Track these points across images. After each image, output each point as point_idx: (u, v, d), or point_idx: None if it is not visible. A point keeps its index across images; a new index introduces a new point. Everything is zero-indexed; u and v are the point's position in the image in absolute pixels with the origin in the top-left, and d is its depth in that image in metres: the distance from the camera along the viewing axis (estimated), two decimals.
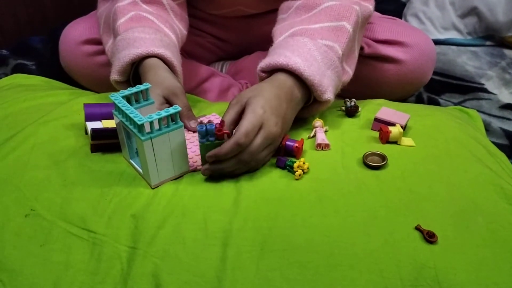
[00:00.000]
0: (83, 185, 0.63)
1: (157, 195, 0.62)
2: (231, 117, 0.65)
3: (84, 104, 0.72)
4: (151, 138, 0.59)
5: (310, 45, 0.71)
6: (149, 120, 0.58)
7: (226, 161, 0.63)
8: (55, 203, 0.60)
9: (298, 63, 0.68)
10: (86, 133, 0.72)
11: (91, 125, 0.69)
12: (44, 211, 0.59)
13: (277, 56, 0.70)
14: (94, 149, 0.69)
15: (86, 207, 0.60)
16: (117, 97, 0.63)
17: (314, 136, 0.74)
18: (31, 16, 1.45)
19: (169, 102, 0.74)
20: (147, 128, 0.60)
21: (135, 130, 0.60)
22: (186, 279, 0.51)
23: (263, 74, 0.73)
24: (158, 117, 0.59)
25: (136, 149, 0.65)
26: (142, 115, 0.60)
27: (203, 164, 0.66)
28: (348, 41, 0.75)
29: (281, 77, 0.70)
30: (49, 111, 0.79)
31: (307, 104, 0.75)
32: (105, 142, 0.68)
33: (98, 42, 0.95)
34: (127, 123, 0.61)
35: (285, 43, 0.73)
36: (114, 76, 0.78)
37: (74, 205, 0.60)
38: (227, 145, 0.61)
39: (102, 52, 0.95)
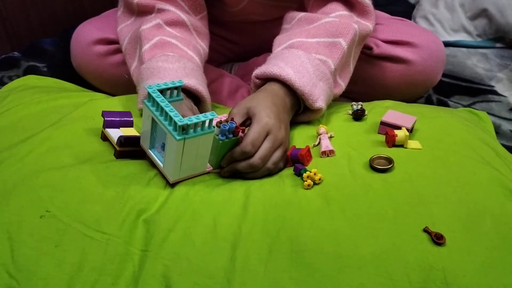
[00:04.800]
0: (97, 188, 0.64)
1: (169, 200, 0.62)
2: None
3: (103, 111, 0.74)
4: (184, 139, 0.60)
5: (303, 58, 0.77)
6: (190, 122, 0.59)
7: (239, 164, 0.67)
8: (70, 205, 0.61)
9: (290, 74, 0.74)
10: (103, 139, 0.74)
11: (112, 132, 0.72)
12: (59, 212, 0.60)
13: (271, 66, 0.76)
14: (120, 155, 0.71)
15: (101, 210, 0.60)
16: (154, 90, 0.64)
17: (318, 143, 0.74)
18: (42, 18, 1.46)
19: None
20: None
21: (170, 128, 0.61)
22: (196, 280, 0.52)
23: (258, 81, 0.79)
24: (197, 121, 0.60)
25: (163, 143, 0.65)
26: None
27: (220, 162, 0.69)
28: (341, 57, 0.80)
29: (274, 87, 0.76)
30: (64, 114, 0.80)
31: (298, 112, 0.79)
32: (130, 149, 0.71)
33: (110, 42, 0.95)
34: (161, 118, 0.62)
35: (281, 54, 0.79)
36: (139, 106, 0.80)
37: (89, 207, 0.61)
38: (236, 151, 0.66)
39: (114, 52, 0.96)
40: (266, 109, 0.69)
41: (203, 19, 0.92)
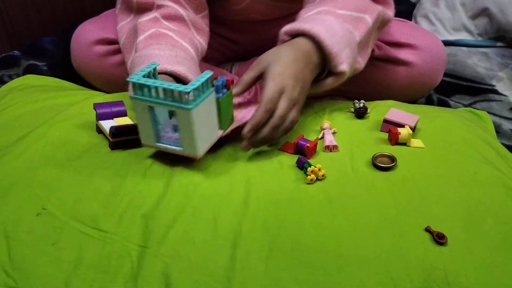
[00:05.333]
0: (94, 184, 0.63)
1: (167, 195, 0.62)
2: (249, 77, 0.71)
3: (94, 104, 0.73)
4: (196, 105, 0.59)
5: (333, 21, 0.75)
6: (194, 86, 0.58)
7: (262, 130, 0.68)
8: (66, 202, 0.61)
9: (320, 31, 0.72)
10: (98, 132, 0.73)
11: (105, 123, 0.71)
12: (56, 210, 0.59)
13: (302, 23, 0.74)
14: (114, 146, 0.70)
15: (97, 207, 0.60)
16: (139, 78, 0.61)
17: (322, 138, 0.74)
18: (42, 17, 1.46)
19: None
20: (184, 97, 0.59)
21: (176, 103, 0.59)
22: (196, 278, 0.52)
23: (286, 37, 0.76)
24: (201, 81, 0.59)
25: (173, 125, 0.64)
26: None
27: (222, 127, 0.68)
28: (366, 32, 0.79)
29: (301, 41, 0.73)
30: (60, 111, 0.80)
31: (320, 77, 0.77)
32: (125, 139, 0.70)
33: (110, 42, 0.95)
34: (161, 99, 0.60)
35: (311, 17, 0.77)
36: (131, 93, 0.78)
37: (85, 204, 0.60)
38: (258, 114, 0.66)
39: (114, 53, 0.96)
40: (280, 67, 0.69)
41: (204, 18, 0.92)
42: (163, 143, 0.66)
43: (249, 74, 0.71)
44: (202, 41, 0.89)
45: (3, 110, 0.82)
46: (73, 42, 1.01)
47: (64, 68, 1.17)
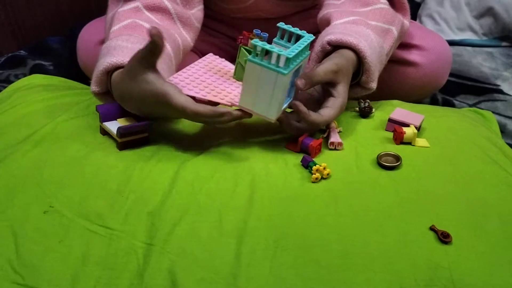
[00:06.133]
0: (100, 182, 0.64)
1: (173, 192, 0.62)
2: (322, 79, 0.70)
3: (97, 106, 0.73)
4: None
5: (372, 36, 0.77)
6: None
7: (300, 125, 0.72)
8: (73, 200, 0.61)
9: (366, 47, 0.74)
10: (103, 134, 0.74)
11: (111, 125, 0.71)
12: (63, 207, 0.60)
13: (347, 36, 0.75)
14: (122, 146, 0.70)
15: (104, 204, 0.60)
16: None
17: (327, 136, 0.74)
18: (48, 17, 1.47)
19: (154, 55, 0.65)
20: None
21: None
22: (202, 275, 0.52)
23: (328, 47, 0.77)
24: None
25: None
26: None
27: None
28: (392, 45, 0.82)
29: (349, 55, 0.74)
30: (66, 110, 0.80)
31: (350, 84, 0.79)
32: (132, 138, 0.70)
33: None
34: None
35: (350, 27, 0.78)
36: (92, 87, 0.73)
37: (92, 202, 0.61)
38: (307, 122, 0.69)
39: None
40: (346, 86, 0.72)
41: (197, 13, 0.88)
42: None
43: (322, 76, 0.70)
44: (188, 36, 0.85)
45: (10, 109, 0.82)
46: (79, 41, 1.02)
47: (70, 67, 1.17)
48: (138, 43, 0.71)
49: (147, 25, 0.76)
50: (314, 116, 0.69)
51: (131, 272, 0.53)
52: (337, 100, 0.71)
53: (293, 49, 0.62)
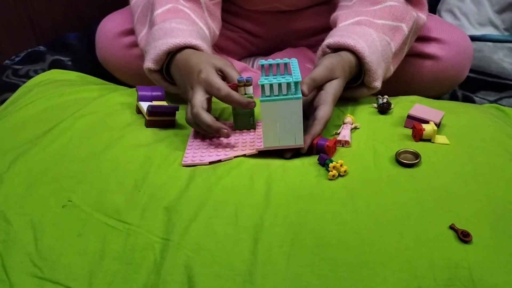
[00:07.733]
0: (117, 177, 0.64)
1: (190, 187, 0.62)
2: (320, 78, 0.71)
3: (137, 86, 0.79)
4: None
5: (374, 36, 0.78)
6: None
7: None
8: (91, 194, 0.62)
9: (364, 47, 0.75)
10: (138, 112, 0.79)
11: (145, 104, 0.77)
12: (81, 202, 0.61)
13: (346, 37, 0.76)
14: (149, 124, 0.75)
15: (121, 199, 0.61)
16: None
17: (339, 133, 0.73)
18: (66, 13, 1.49)
19: (222, 73, 0.74)
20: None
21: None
22: (218, 272, 0.52)
23: (329, 50, 0.79)
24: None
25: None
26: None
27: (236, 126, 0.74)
28: (402, 42, 0.82)
29: (347, 57, 0.76)
30: (85, 105, 0.81)
31: (353, 85, 0.81)
32: (160, 119, 0.75)
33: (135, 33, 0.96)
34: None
35: (352, 28, 0.79)
36: (149, 64, 0.79)
37: (109, 196, 0.61)
38: (318, 129, 0.69)
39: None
40: (342, 80, 0.73)
41: (217, 5, 0.93)
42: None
43: (321, 76, 0.71)
44: (214, 27, 0.90)
45: (29, 104, 0.83)
46: (98, 33, 1.02)
47: (87, 63, 1.19)
48: (190, 25, 0.80)
49: (187, 10, 0.83)
50: (316, 127, 0.69)
51: (148, 267, 0.53)
52: (330, 99, 0.71)
53: (294, 73, 0.66)
